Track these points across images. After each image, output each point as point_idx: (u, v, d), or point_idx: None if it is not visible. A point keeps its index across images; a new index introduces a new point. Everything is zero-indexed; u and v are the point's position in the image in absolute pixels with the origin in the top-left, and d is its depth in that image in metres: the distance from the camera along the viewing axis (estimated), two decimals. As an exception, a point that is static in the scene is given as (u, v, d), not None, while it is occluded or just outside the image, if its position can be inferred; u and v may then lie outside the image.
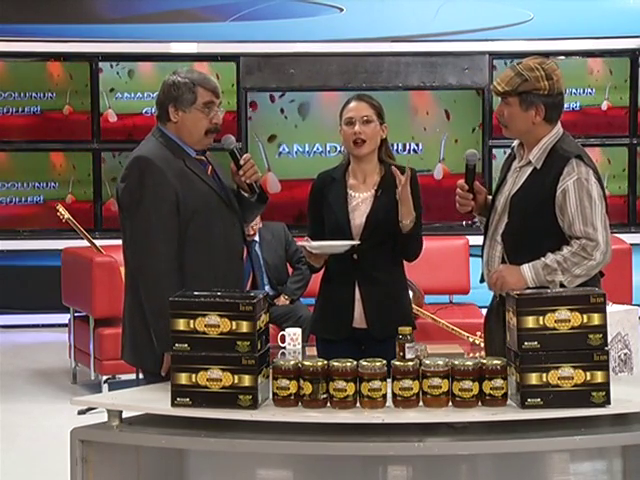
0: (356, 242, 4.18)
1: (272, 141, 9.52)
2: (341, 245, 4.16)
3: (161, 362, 3.78)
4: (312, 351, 4.87)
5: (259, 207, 4.15)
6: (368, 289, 4.25)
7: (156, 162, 3.84)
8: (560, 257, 3.81)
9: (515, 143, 4.09)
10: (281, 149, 9.53)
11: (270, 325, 3.52)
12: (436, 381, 3.33)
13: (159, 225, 3.80)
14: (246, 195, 4.06)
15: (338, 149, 9.30)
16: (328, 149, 9.50)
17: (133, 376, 6.15)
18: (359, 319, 4.26)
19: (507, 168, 4.10)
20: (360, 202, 4.30)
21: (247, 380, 3.32)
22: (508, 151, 4.19)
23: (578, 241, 3.81)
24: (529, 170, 3.95)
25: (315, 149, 9.53)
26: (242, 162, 4.00)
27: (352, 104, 4.30)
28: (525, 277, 3.83)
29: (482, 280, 4.09)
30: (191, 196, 3.86)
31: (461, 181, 4.09)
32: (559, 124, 3.98)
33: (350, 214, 4.28)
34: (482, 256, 4.09)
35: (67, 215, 7.85)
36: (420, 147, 9.54)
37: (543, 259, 3.82)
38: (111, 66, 9.52)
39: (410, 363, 3.36)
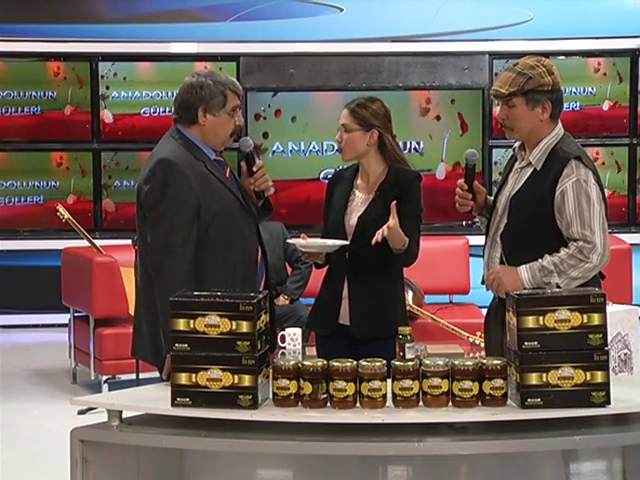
0: (345, 242, 4.19)
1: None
2: (330, 245, 4.17)
3: (163, 362, 3.78)
4: (312, 351, 4.87)
5: (262, 216, 4.17)
6: (356, 288, 4.27)
7: (180, 165, 3.84)
8: (557, 259, 3.80)
9: (516, 144, 4.08)
10: (275, 147, 9.53)
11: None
12: (436, 381, 3.33)
13: (180, 228, 3.80)
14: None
15: (335, 148, 9.31)
16: (325, 148, 9.51)
17: (133, 376, 6.19)
18: (344, 316, 4.29)
19: (509, 169, 4.09)
20: (360, 202, 4.32)
21: (247, 380, 3.32)
22: (508, 151, 4.19)
23: (575, 243, 3.79)
24: (529, 171, 3.95)
25: (312, 148, 9.53)
26: (255, 169, 4.01)
27: (343, 111, 4.35)
28: (521, 278, 3.82)
29: (484, 281, 4.08)
30: (212, 199, 3.87)
31: (461, 180, 4.09)
32: (560, 124, 3.97)
33: (347, 215, 4.30)
34: (483, 257, 4.09)
35: (67, 215, 7.86)
36: (421, 146, 9.54)
37: (540, 261, 3.81)
38: (111, 65, 9.52)
39: (410, 363, 3.36)
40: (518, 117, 3.91)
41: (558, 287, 3.77)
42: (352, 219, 4.29)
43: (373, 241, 4.04)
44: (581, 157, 3.85)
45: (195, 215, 3.83)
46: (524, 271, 3.83)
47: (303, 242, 4.15)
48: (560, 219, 3.83)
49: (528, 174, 3.95)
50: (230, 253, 3.91)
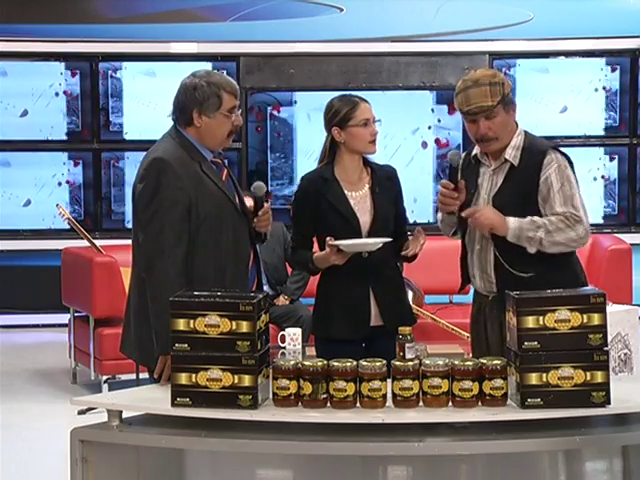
0: (388, 240, 4.18)
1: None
2: (372, 243, 4.17)
3: (156, 363, 3.77)
4: (312, 351, 4.87)
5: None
6: (380, 286, 4.30)
7: (173, 165, 3.83)
8: (547, 220, 3.92)
9: (475, 150, 4.13)
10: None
11: (270, 325, 3.51)
12: (436, 381, 3.33)
13: (171, 228, 3.79)
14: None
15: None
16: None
17: (133, 376, 6.19)
18: (375, 317, 4.29)
19: (475, 176, 4.11)
20: (359, 200, 4.32)
21: (247, 380, 3.32)
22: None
23: (563, 213, 3.93)
24: (506, 168, 4.04)
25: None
26: (261, 213, 4.00)
27: (363, 105, 4.30)
28: (508, 221, 3.92)
29: (462, 287, 4.16)
30: (204, 200, 3.86)
31: (445, 180, 4.10)
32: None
33: (356, 212, 4.30)
34: (461, 265, 4.18)
35: (67, 215, 7.85)
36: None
37: (529, 217, 3.92)
38: (111, 65, 9.53)
39: (410, 363, 3.36)
40: (501, 125, 4.00)
41: (540, 244, 3.89)
42: (362, 217, 4.29)
43: (410, 254, 4.23)
44: (555, 147, 4.04)
45: (186, 215, 3.82)
46: (512, 219, 3.93)
47: (348, 242, 4.15)
48: (544, 205, 3.96)
49: (506, 171, 4.03)
50: (220, 255, 3.89)
